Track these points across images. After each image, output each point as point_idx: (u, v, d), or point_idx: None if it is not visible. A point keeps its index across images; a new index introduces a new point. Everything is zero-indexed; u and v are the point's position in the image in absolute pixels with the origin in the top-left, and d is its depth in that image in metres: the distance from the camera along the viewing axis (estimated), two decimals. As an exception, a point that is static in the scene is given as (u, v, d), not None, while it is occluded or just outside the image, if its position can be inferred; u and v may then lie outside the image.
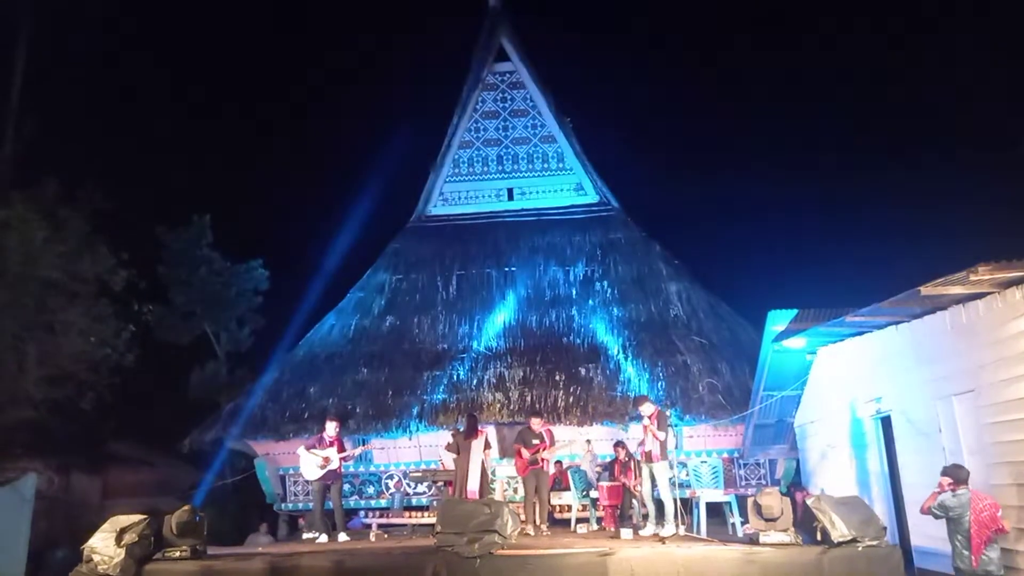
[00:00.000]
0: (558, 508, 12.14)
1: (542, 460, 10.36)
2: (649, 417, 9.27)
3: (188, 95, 32.79)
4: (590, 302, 15.51)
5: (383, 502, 13.95)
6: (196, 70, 33.61)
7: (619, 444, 11.52)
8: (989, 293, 7.12)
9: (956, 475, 6.91)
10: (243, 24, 35.66)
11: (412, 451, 13.95)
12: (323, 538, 10.19)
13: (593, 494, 11.48)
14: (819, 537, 7.65)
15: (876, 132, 28.57)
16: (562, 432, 12.88)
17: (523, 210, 17.59)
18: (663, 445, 9.20)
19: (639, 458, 9.79)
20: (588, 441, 12.69)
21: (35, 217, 13.40)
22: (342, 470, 10.54)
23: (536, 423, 10.70)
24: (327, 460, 10.15)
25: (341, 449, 10.44)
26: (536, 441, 10.39)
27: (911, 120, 26.35)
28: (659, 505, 9.34)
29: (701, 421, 13.02)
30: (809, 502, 7.99)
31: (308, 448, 10.32)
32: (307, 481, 13.85)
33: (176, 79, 32.33)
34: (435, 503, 12.55)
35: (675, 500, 9.11)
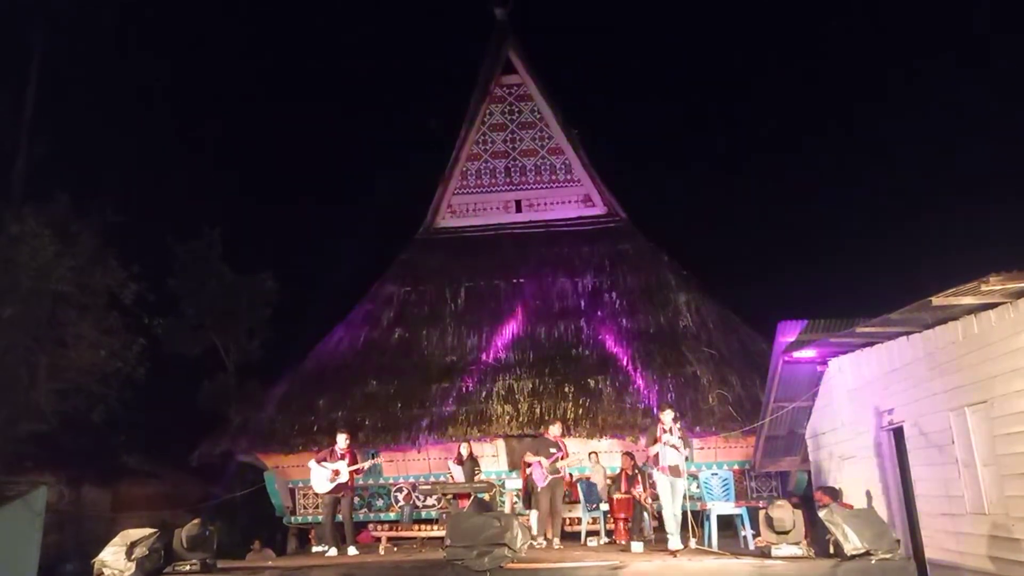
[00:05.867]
0: (568, 521, 12.08)
1: (562, 470, 10.32)
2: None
3: (197, 107, 33.00)
4: (599, 313, 15.46)
5: (392, 515, 13.91)
6: (204, 81, 33.83)
7: (627, 455, 11.46)
8: (1001, 303, 7.06)
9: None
10: (251, 34, 35.93)
11: (421, 464, 13.92)
12: (333, 551, 10.18)
13: (603, 507, 11.41)
14: (832, 550, 7.60)
15: (883, 135, 28.47)
16: (571, 444, 12.87)
17: (531, 222, 17.60)
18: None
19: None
20: (595, 453, 12.61)
21: (46, 231, 13.51)
22: (354, 483, 10.52)
23: (555, 431, 10.65)
24: (337, 473, 10.16)
25: (353, 462, 10.43)
26: (554, 451, 10.33)
27: (920, 124, 26.29)
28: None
29: (711, 433, 12.95)
30: (822, 515, 7.93)
31: (319, 461, 10.33)
32: (318, 494, 13.94)
33: (185, 91, 32.54)
34: (444, 516, 12.51)
35: (685, 513, 9.04)
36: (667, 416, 9.25)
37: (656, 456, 9.19)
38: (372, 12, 40.84)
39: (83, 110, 19.44)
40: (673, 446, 9.03)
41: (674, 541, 8.93)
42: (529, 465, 10.63)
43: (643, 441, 9.74)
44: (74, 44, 18.18)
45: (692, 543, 8.99)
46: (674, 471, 9.08)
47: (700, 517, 9.93)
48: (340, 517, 10.49)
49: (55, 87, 17.64)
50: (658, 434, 9.18)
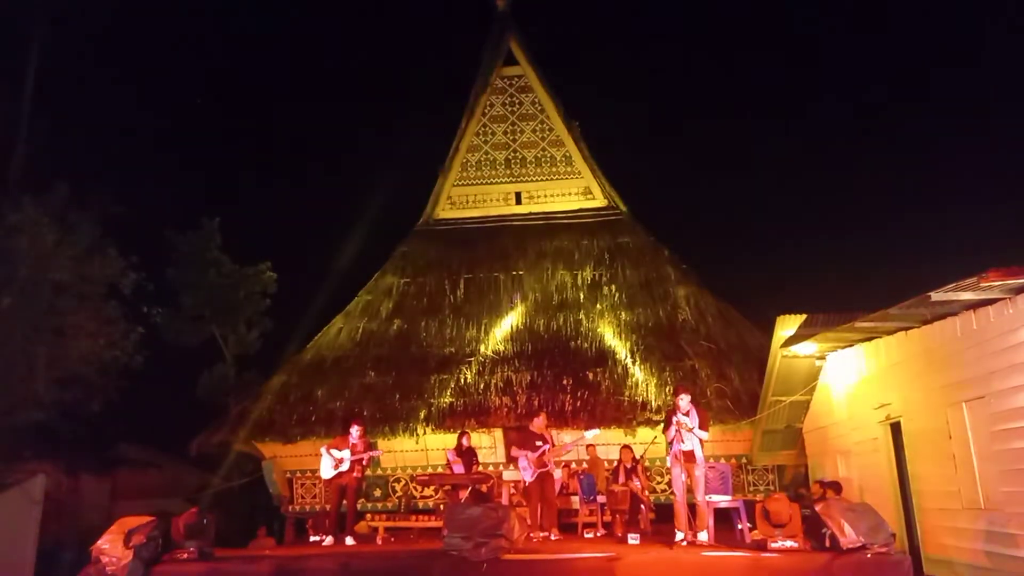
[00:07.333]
0: (565, 513, 12.09)
1: (549, 462, 10.30)
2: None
3: (197, 97, 32.96)
4: (598, 306, 15.46)
5: (389, 505, 13.95)
6: (203, 71, 33.75)
7: (625, 448, 11.46)
8: (1000, 299, 7.08)
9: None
10: (252, 25, 35.80)
11: (419, 455, 13.94)
12: (329, 540, 10.20)
13: (601, 499, 11.43)
14: (828, 544, 7.61)
15: (885, 133, 28.47)
16: (568, 436, 12.88)
17: (531, 214, 17.57)
18: None
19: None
20: (592, 446, 12.61)
21: (46, 220, 13.47)
22: (361, 474, 10.55)
23: (538, 423, 10.58)
24: (340, 461, 10.21)
25: (361, 451, 10.42)
26: (539, 443, 10.31)
27: (921, 121, 26.24)
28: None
29: (709, 426, 12.94)
30: (818, 508, 7.95)
31: (328, 448, 10.38)
32: (315, 484, 13.99)
33: (184, 80, 32.50)
34: (442, 507, 12.53)
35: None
36: (683, 400, 8.91)
37: (672, 442, 8.85)
38: (373, 2, 40.71)
39: (83, 99, 19.39)
40: (689, 429, 8.79)
41: (680, 534, 8.81)
42: (516, 459, 10.60)
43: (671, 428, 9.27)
44: (75, 33, 18.12)
45: (704, 536, 8.72)
46: (688, 457, 8.79)
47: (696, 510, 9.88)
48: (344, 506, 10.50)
49: (55, 75, 17.58)
50: (675, 419, 8.80)
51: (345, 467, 10.21)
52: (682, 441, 8.79)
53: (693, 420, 8.82)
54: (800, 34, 34.65)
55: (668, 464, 9.17)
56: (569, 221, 17.36)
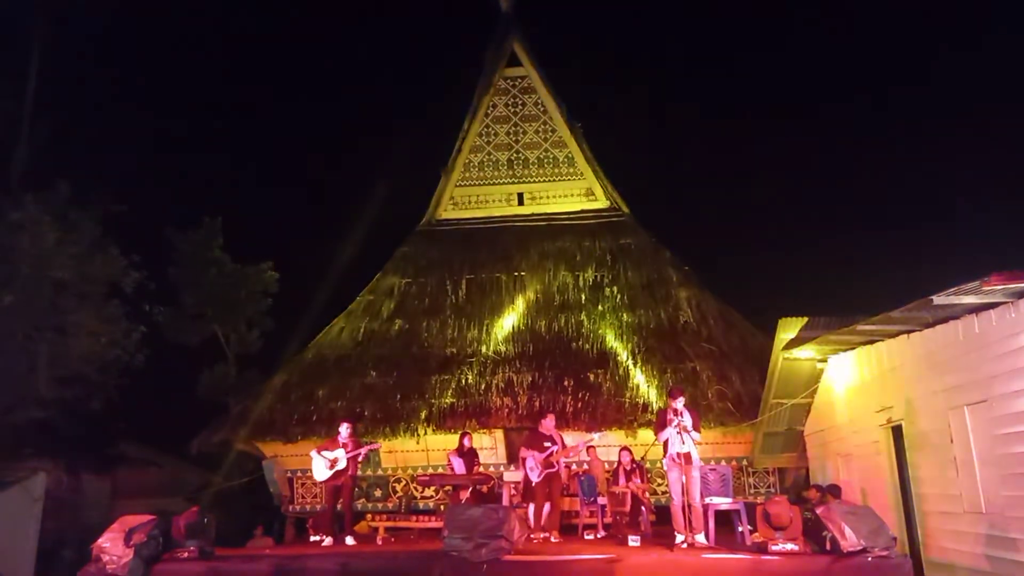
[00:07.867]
0: (565, 514, 12.06)
1: (557, 463, 10.27)
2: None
3: (198, 96, 33.01)
4: (599, 308, 15.46)
5: (390, 506, 13.94)
6: (206, 71, 33.77)
7: (625, 449, 11.45)
8: (1002, 303, 7.06)
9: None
10: (255, 23, 35.81)
11: (420, 455, 13.94)
12: (328, 541, 10.20)
13: (601, 500, 11.42)
14: (828, 547, 7.60)
15: (887, 135, 28.45)
16: (569, 438, 12.87)
17: (533, 215, 17.57)
18: None
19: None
20: (592, 448, 12.58)
21: (47, 219, 13.48)
22: (355, 472, 10.54)
23: (547, 424, 10.54)
24: (335, 461, 10.20)
25: (352, 450, 10.41)
26: (548, 444, 10.26)
27: (924, 122, 26.22)
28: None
29: (710, 428, 12.94)
30: (818, 511, 7.94)
31: (319, 450, 10.37)
32: (316, 483, 13.99)
33: (187, 80, 32.53)
34: (442, 507, 12.53)
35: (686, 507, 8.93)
36: (679, 402, 8.82)
37: (666, 444, 8.80)
38: (376, 3, 40.75)
39: (83, 99, 19.41)
40: (685, 429, 8.72)
41: (680, 536, 8.73)
42: (524, 459, 10.57)
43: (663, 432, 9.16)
44: (75, 33, 18.13)
45: (702, 538, 8.64)
46: (686, 458, 8.71)
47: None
48: (340, 506, 10.50)
49: (56, 74, 17.60)
50: (668, 420, 8.73)
51: (342, 466, 10.21)
52: (682, 443, 8.76)
53: (687, 421, 8.82)
54: (801, 34, 34.64)
55: (665, 467, 9.10)
56: (571, 222, 17.37)
